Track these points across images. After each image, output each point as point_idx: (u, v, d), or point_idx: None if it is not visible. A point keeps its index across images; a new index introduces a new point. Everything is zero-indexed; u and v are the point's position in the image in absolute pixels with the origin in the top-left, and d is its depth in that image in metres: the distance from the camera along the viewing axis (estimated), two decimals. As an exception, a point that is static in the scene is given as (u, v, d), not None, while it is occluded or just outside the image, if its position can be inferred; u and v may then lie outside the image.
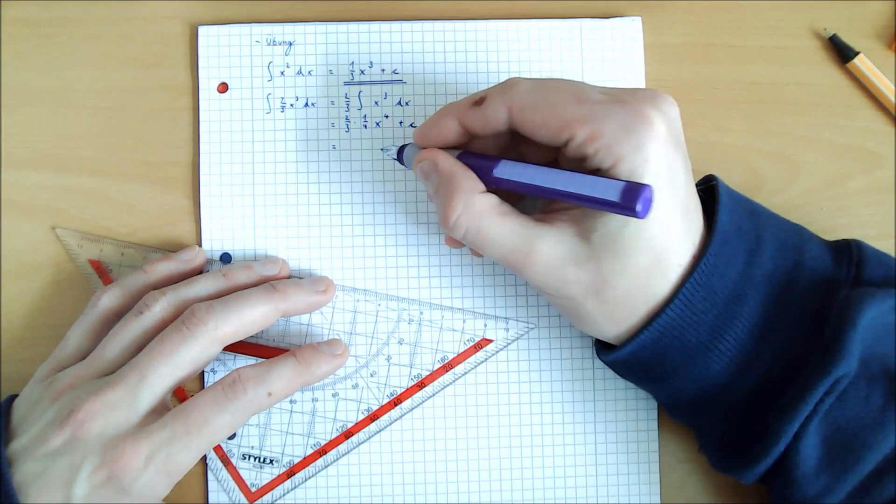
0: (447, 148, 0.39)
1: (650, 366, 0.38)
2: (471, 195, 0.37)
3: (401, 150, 0.42)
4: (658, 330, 0.36)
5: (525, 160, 0.39)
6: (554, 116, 0.35)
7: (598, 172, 0.35)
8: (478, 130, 0.38)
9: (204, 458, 0.43)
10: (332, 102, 0.44)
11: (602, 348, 0.40)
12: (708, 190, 0.40)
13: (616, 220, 0.35)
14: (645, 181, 0.34)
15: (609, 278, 0.36)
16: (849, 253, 0.39)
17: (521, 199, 0.42)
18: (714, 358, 0.37)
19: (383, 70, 0.45)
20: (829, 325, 0.36)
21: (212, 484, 0.43)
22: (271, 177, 0.44)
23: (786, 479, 0.37)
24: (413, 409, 0.44)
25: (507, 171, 0.37)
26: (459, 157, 0.38)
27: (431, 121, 0.39)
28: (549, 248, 0.36)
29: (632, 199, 0.33)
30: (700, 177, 0.42)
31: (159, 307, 0.39)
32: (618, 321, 0.37)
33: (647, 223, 0.35)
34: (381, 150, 0.44)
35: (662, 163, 0.35)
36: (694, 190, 0.37)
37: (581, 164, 0.36)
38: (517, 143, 0.39)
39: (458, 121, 0.38)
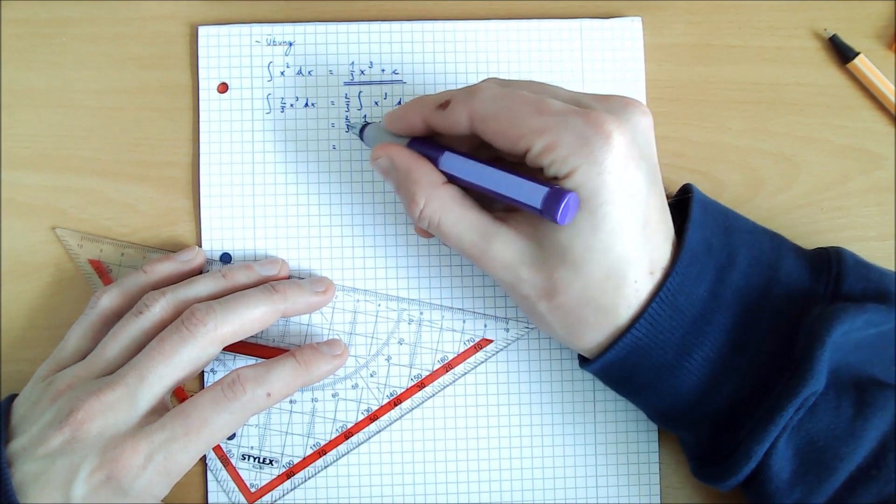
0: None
1: (621, 381, 0.38)
2: (431, 188, 0.37)
3: (363, 128, 0.42)
4: (624, 349, 0.36)
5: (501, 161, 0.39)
6: (512, 127, 0.35)
7: (552, 180, 0.35)
8: (443, 132, 0.38)
9: (203, 458, 0.43)
10: (332, 102, 0.44)
11: (581, 360, 0.40)
12: (684, 201, 0.40)
13: (569, 228, 0.35)
14: (600, 193, 0.34)
15: (560, 284, 0.36)
16: (828, 266, 0.38)
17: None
18: (682, 376, 0.37)
19: (383, 70, 0.45)
20: (799, 344, 0.36)
21: (211, 484, 0.43)
22: (271, 177, 0.44)
23: (761, 492, 0.37)
24: (413, 409, 0.44)
25: (449, 164, 0.38)
26: (410, 145, 0.39)
27: (401, 111, 0.39)
28: (504, 246, 0.37)
29: (553, 205, 0.34)
30: (684, 181, 0.41)
31: (159, 307, 0.39)
32: (572, 330, 0.37)
33: (599, 235, 0.35)
34: (348, 125, 0.44)
35: (619, 177, 0.34)
36: (661, 204, 0.37)
37: (540, 175, 0.36)
38: (490, 147, 0.39)
39: (424, 119, 0.38)
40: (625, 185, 0.35)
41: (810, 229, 0.45)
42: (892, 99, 0.45)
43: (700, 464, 0.39)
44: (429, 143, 0.39)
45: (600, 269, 0.35)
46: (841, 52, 0.45)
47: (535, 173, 0.38)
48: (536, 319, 0.38)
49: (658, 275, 0.36)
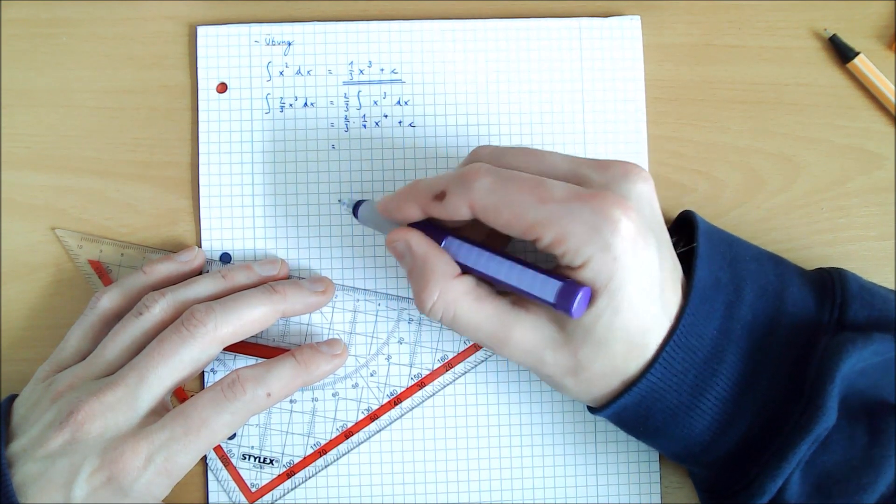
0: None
1: (634, 424, 0.38)
2: (446, 280, 0.37)
3: (356, 205, 0.42)
4: (639, 394, 0.36)
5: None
6: (516, 220, 0.35)
7: (568, 269, 0.35)
8: (444, 222, 0.38)
9: (204, 458, 0.43)
10: (332, 102, 0.44)
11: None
12: (684, 226, 0.40)
13: (589, 314, 0.35)
14: (616, 277, 0.34)
15: (584, 362, 0.36)
16: (832, 293, 0.38)
17: None
18: (696, 417, 0.36)
19: (382, 70, 0.45)
20: (809, 379, 0.36)
21: (212, 484, 0.43)
22: (271, 177, 0.44)
23: None
24: (413, 408, 0.44)
25: (452, 249, 0.37)
26: (413, 225, 0.38)
27: (396, 202, 0.38)
28: (525, 333, 0.36)
29: (567, 300, 0.34)
30: (678, 210, 0.42)
31: (159, 308, 0.39)
32: (598, 393, 0.37)
33: (619, 315, 0.35)
34: (339, 201, 0.44)
35: (632, 258, 0.34)
36: (672, 265, 0.37)
37: (553, 260, 0.36)
38: None
39: (421, 209, 0.37)
40: (639, 264, 0.34)
41: (810, 229, 0.45)
42: (892, 99, 0.45)
43: (711, 497, 0.39)
44: (430, 227, 0.38)
45: (623, 343, 0.35)
46: (841, 52, 0.45)
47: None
48: (561, 390, 0.38)
49: (672, 320, 0.36)
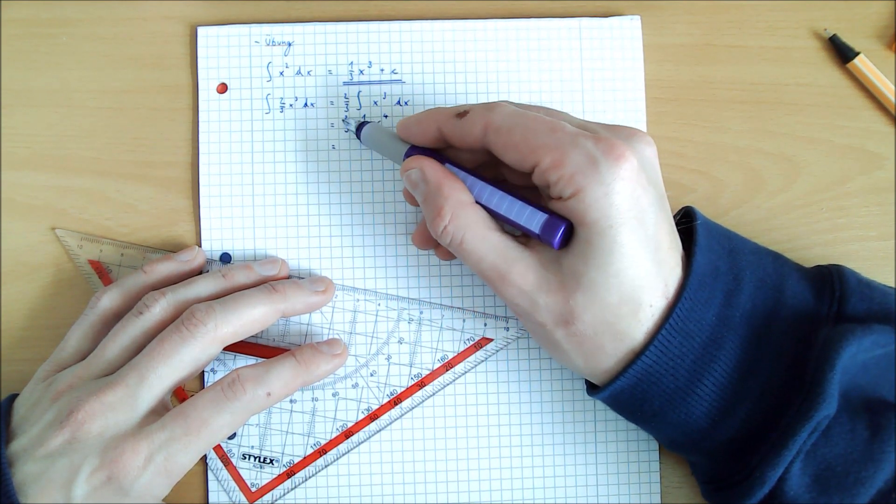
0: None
1: (632, 408, 0.38)
2: (460, 206, 0.37)
3: (360, 126, 0.43)
4: (635, 376, 0.36)
5: (503, 181, 0.39)
6: (525, 141, 0.36)
7: (559, 201, 0.35)
8: (455, 142, 0.38)
9: (204, 458, 0.43)
10: (332, 102, 0.45)
11: (589, 387, 0.40)
12: (686, 223, 0.40)
13: (581, 253, 0.35)
14: (609, 215, 0.34)
15: (576, 310, 0.36)
16: (831, 286, 0.38)
17: None
18: (693, 403, 0.37)
19: (382, 70, 0.45)
20: (809, 368, 0.36)
21: (212, 484, 0.43)
22: (271, 177, 0.44)
23: None
24: (413, 408, 0.44)
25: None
26: (409, 152, 0.40)
27: (415, 119, 0.39)
28: (524, 270, 0.37)
29: (551, 231, 0.36)
30: (678, 206, 0.42)
31: (159, 308, 0.39)
32: (590, 357, 0.37)
33: (612, 259, 0.35)
34: (344, 121, 0.44)
35: (627, 200, 0.34)
36: (671, 229, 0.37)
37: (546, 192, 0.36)
38: (497, 163, 0.39)
39: (439, 128, 0.38)
40: (633, 207, 0.35)
41: (810, 229, 0.45)
42: (892, 99, 0.45)
43: (712, 488, 0.39)
44: (430, 153, 0.39)
45: (615, 294, 0.35)
46: (841, 52, 0.45)
47: (537, 195, 0.38)
48: (553, 349, 0.38)
49: (670, 299, 0.36)
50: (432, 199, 0.38)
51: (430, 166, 0.38)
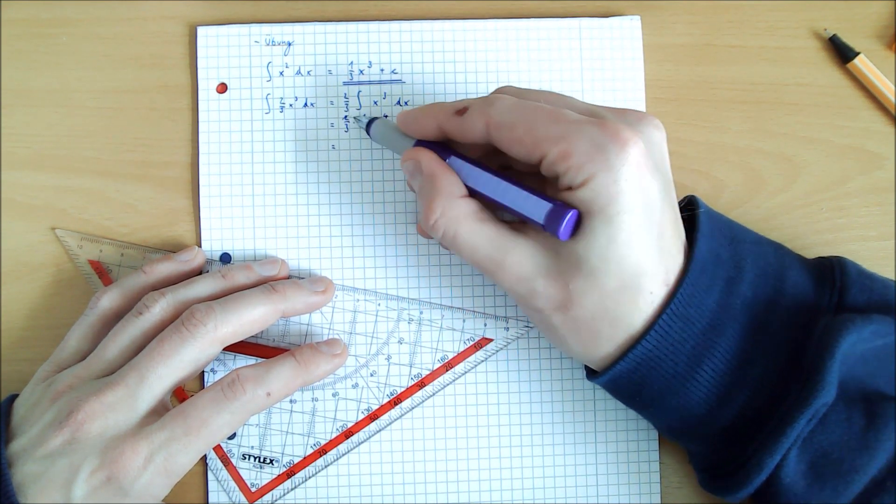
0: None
1: (630, 394, 0.38)
2: (450, 199, 0.37)
3: (369, 123, 0.43)
4: (634, 360, 0.36)
5: (510, 169, 0.39)
6: (528, 135, 0.35)
7: (568, 191, 0.35)
8: (458, 139, 0.38)
9: (204, 458, 0.43)
10: (332, 102, 0.44)
11: (588, 372, 0.40)
12: (689, 211, 0.40)
13: (584, 239, 0.35)
14: (616, 202, 0.34)
15: (575, 296, 0.36)
16: (832, 277, 0.38)
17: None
18: (692, 389, 0.36)
19: (382, 70, 0.45)
20: (808, 356, 0.36)
21: (212, 484, 0.43)
22: (271, 177, 0.44)
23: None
24: (413, 408, 0.44)
25: (455, 167, 0.38)
26: (416, 146, 0.39)
27: (415, 114, 0.39)
28: (520, 258, 0.36)
29: (555, 221, 0.35)
30: (681, 196, 0.41)
31: (159, 308, 0.39)
32: (587, 343, 0.37)
33: (615, 245, 0.35)
34: (354, 118, 0.44)
35: (634, 185, 0.34)
36: (675, 216, 0.37)
37: (555, 183, 0.36)
38: (501, 153, 0.39)
39: (439, 126, 0.38)
40: (640, 193, 0.34)
41: (810, 229, 0.45)
42: (892, 99, 0.45)
43: (709, 476, 0.39)
44: (436, 146, 0.39)
45: (616, 279, 0.35)
46: (841, 52, 0.45)
47: (544, 185, 0.38)
48: (550, 333, 0.38)
49: (671, 286, 0.36)
50: (426, 192, 0.38)
51: (426, 159, 0.38)
